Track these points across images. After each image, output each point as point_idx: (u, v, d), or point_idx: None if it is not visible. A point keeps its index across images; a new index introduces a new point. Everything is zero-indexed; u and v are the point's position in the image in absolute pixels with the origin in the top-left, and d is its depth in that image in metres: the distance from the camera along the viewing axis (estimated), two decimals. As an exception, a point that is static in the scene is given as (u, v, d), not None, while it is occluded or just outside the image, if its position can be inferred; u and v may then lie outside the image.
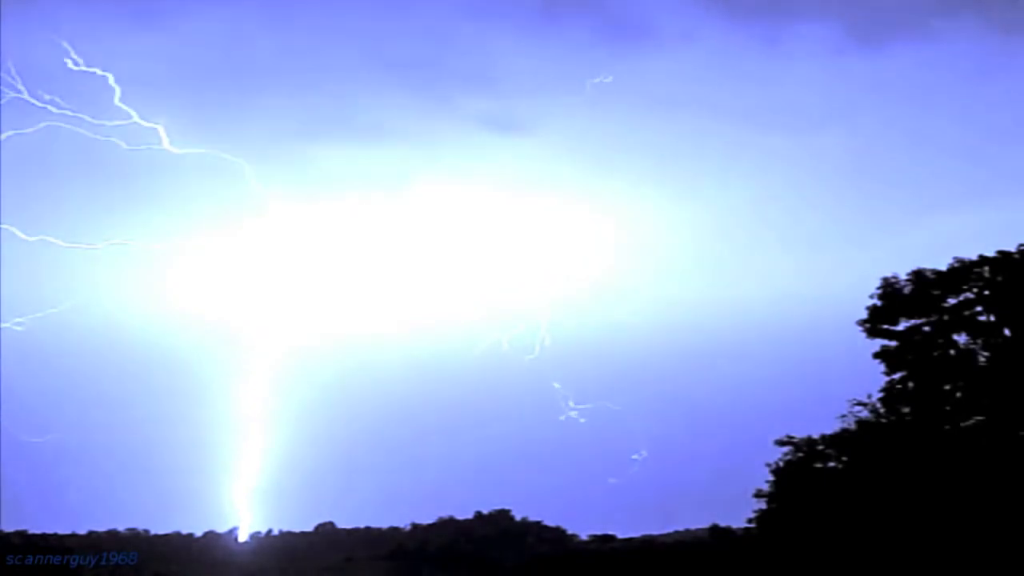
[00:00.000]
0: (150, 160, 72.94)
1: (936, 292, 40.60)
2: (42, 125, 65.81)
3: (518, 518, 66.34)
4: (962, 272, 40.54)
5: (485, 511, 66.00)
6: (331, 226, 74.16)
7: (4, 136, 63.11)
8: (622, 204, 76.06)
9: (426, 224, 75.02)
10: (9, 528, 58.40)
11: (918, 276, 41.07)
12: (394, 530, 67.21)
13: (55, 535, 59.17)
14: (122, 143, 73.58)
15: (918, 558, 36.05)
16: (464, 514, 66.40)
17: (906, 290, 41.06)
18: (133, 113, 66.62)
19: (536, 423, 65.91)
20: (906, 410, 40.24)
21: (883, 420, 40.39)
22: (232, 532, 61.57)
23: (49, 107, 65.32)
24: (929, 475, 37.07)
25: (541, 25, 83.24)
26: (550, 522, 66.10)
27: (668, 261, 68.69)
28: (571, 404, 62.96)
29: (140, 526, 60.59)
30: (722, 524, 54.53)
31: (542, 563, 60.46)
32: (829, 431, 41.15)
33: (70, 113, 72.03)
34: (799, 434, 41.70)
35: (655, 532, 66.00)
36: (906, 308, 40.82)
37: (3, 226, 59.68)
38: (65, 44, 63.35)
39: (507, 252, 75.23)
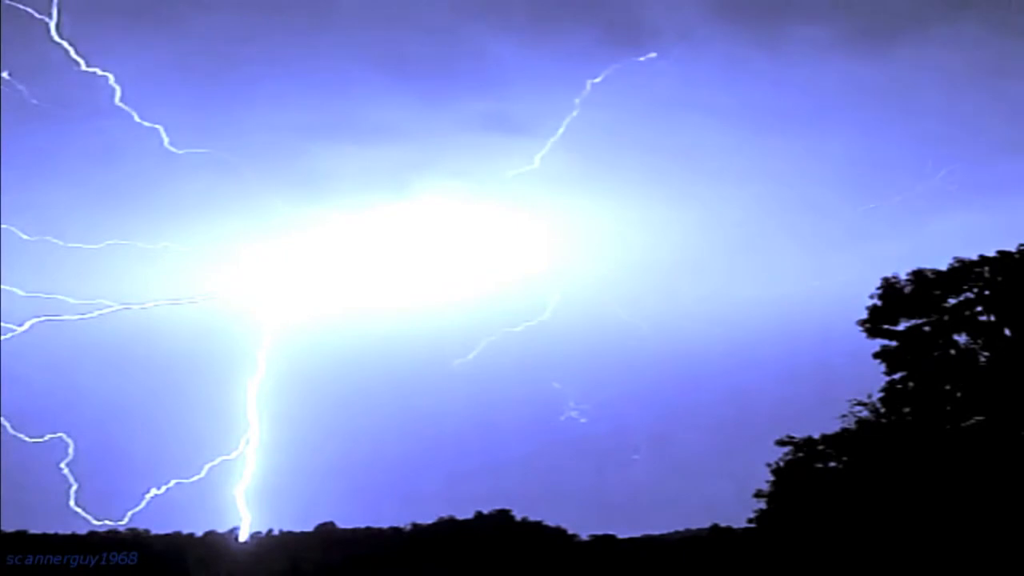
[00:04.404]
0: (150, 160, 72.93)
1: (936, 292, 40.64)
2: (42, 125, 65.72)
3: (518, 518, 66.23)
4: (962, 272, 40.58)
5: (485, 511, 65.90)
6: (330, 225, 74.02)
7: (4, 136, 62.95)
8: (622, 204, 75.86)
9: (426, 224, 74.86)
10: (9, 528, 58.25)
11: (918, 276, 41.11)
12: (394, 530, 67.12)
13: (55, 535, 59.01)
14: (122, 143, 73.59)
15: (918, 558, 36.06)
16: (464, 514, 66.28)
17: (906, 290, 41.10)
18: (133, 113, 66.56)
19: (536, 423, 65.77)
20: (906, 410, 40.25)
21: (883, 420, 40.42)
22: (232, 532, 61.47)
23: (49, 107, 65.24)
24: (929, 475, 37.08)
25: (542, 25, 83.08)
26: (550, 522, 65.92)
27: (669, 261, 68.56)
28: (571, 404, 62.84)
29: (140, 526, 60.42)
30: (722, 524, 54.53)
31: (542, 563, 60.43)
32: (829, 431, 41.22)
33: (70, 113, 71.97)
34: (799, 434, 41.77)
35: (655, 532, 65.96)
36: (906, 308, 40.86)
37: (3, 226, 59.52)
38: (65, 44, 63.29)
39: (507, 252, 75.08)
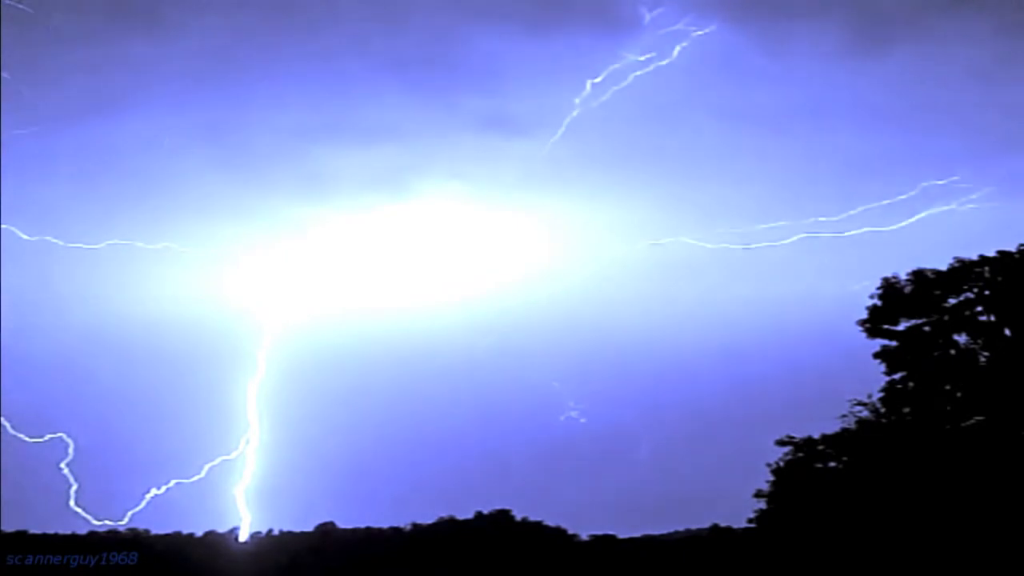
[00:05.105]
0: (150, 160, 73.04)
1: (936, 292, 40.63)
2: (43, 125, 65.85)
3: (518, 518, 66.22)
4: (962, 272, 40.57)
5: (485, 511, 65.89)
6: (330, 226, 74.10)
7: (4, 136, 63.03)
8: (622, 204, 75.90)
9: (426, 224, 74.92)
10: (9, 528, 58.27)
11: (918, 276, 41.10)
12: (394, 530, 67.12)
13: (55, 535, 59.02)
14: (122, 143, 73.66)
15: (918, 558, 36.06)
16: (464, 514, 66.28)
17: (906, 290, 41.10)
18: (134, 113, 66.61)
19: (536, 423, 65.81)
20: (906, 410, 40.25)
21: (883, 420, 40.42)
22: (232, 532, 61.49)
23: (49, 107, 65.36)
24: (929, 475, 37.08)
25: (542, 25, 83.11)
26: (550, 522, 65.91)
27: (669, 260, 68.57)
28: (571, 404, 62.86)
29: (140, 526, 60.45)
30: (722, 524, 54.57)
31: (542, 563, 60.42)
32: (829, 431, 41.21)
33: (70, 113, 72.01)
34: (799, 434, 41.75)
35: (655, 532, 65.97)
36: (906, 308, 40.85)
37: (3, 226, 59.57)
38: (65, 44, 63.36)
39: (507, 252, 75.15)
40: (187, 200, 71.77)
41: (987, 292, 40.25)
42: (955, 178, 64.16)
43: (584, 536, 65.73)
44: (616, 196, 75.55)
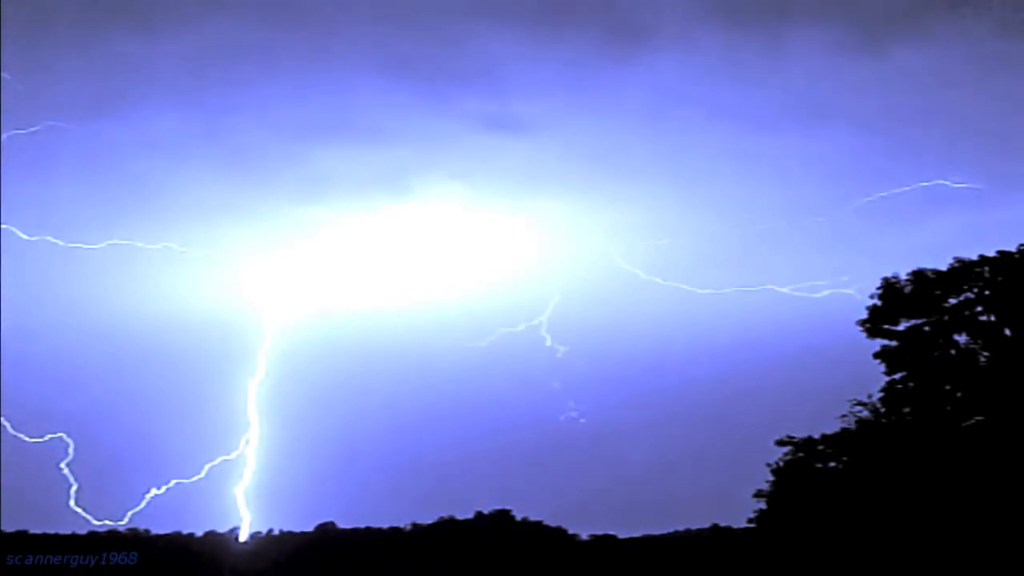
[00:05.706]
0: (150, 160, 73.11)
1: (936, 292, 40.63)
2: (42, 125, 65.80)
3: (518, 518, 66.30)
4: (962, 272, 40.57)
5: (485, 511, 66.01)
6: (331, 227, 74.10)
7: (4, 136, 63.00)
8: (621, 204, 76.00)
9: (427, 225, 74.95)
10: (9, 528, 58.29)
11: (918, 276, 41.11)
12: (394, 530, 67.23)
13: (55, 535, 59.07)
14: (122, 143, 73.70)
15: (918, 558, 36.07)
16: (464, 514, 66.39)
17: (906, 290, 41.10)
18: (134, 114, 66.62)
19: (536, 423, 65.85)
20: (906, 410, 40.25)
21: (883, 420, 40.42)
22: (232, 532, 61.52)
23: (50, 107, 65.36)
24: (929, 475, 37.09)
25: (543, 26, 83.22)
26: (550, 522, 66.03)
27: (669, 260, 68.65)
28: (571, 404, 62.87)
29: (140, 526, 60.48)
30: (722, 524, 54.65)
31: (542, 563, 60.50)
32: (829, 431, 41.21)
33: (70, 113, 72.05)
34: (799, 434, 41.76)
35: (655, 532, 66.04)
36: (906, 308, 40.86)
37: (3, 226, 59.55)
38: (66, 45, 63.37)
39: (508, 252, 75.16)
40: (187, 201, 71.91)
41: (987, 292, 40.24)
42: (955, 178, 64.23)
43: (584, 536, 65.89)
44: (615, 196, 75.67)
